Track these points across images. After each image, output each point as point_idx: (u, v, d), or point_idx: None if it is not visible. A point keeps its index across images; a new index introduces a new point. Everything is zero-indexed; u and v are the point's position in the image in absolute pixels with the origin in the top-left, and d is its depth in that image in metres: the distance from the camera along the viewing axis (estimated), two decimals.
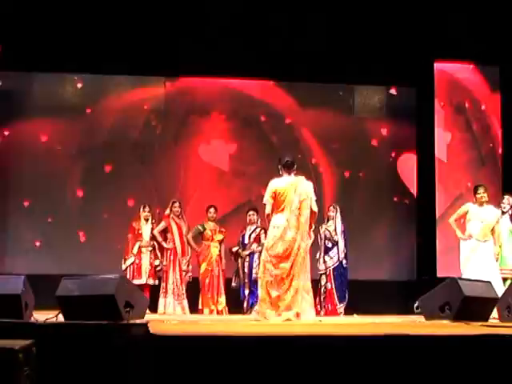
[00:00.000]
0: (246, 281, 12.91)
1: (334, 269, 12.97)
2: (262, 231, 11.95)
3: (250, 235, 13.03)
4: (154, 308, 12.08)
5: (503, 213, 11.72)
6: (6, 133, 14.68)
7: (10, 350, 3.30)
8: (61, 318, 6.41)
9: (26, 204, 14.54)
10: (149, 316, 7.84)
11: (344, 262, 13.12)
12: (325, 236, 13.10)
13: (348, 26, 14.11)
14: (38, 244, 14.56)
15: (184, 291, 12.88)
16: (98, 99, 15.10)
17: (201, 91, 15.33)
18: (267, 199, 9.77)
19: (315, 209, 9.80)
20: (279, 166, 10.16)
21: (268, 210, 9.74)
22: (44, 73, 14.96)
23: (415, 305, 9.70)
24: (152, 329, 5.20)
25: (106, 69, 14.76)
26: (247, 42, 14.18)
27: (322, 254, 13.08)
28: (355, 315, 12.37)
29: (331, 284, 12.92)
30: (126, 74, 15.12)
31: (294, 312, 9.34)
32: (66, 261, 14.20)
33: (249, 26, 13.98)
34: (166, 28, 13.84)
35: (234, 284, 13.21)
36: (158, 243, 13.03)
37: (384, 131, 15.68)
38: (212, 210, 13.35)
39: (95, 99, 15.10)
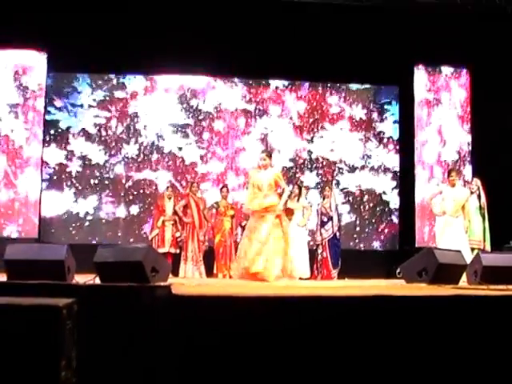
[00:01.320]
0: None
1: (328, 240, 13.00)
2: None
3: None
4: (175, 273, 12.14)
5: (472, 193, 11.79)
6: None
7: (55, 306, 3.31)
8: (97, 281, 6.44)
9: None
10: (171, 279, 7.84)
11: (337, 234, 13.16)
12: (321, 212, 13.15)
13: (345, 37, 14.08)
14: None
15: (201, 258, 12.95)
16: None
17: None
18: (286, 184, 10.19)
19: None
20: (271, 159, 10.36)
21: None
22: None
23: (397, 270, 9.71)
24: (174, 290, 5.22)
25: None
26: (248, 43, 14.18)
27: (319, 228, 13.13)
28: (346, 279, 12.39)
29: (326, 253, 12.95)
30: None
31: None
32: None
33: (250, 29, 13.97)
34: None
35: None
36: (179, 218, 13.11)
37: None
38: (224, 189, 13.60)
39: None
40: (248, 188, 10.45)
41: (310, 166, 15.18)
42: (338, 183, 14.99)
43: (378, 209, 15.40)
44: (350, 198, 15.28)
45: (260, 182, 10.18)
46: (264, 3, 13.67)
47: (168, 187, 13.55)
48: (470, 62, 15.23)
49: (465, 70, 15.43)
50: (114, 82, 15.05)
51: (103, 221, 14.72)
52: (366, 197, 15.36)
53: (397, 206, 15.42)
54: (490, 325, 4.61)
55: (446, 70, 15.41)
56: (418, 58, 15.12)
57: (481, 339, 4.55)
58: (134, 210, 14.78)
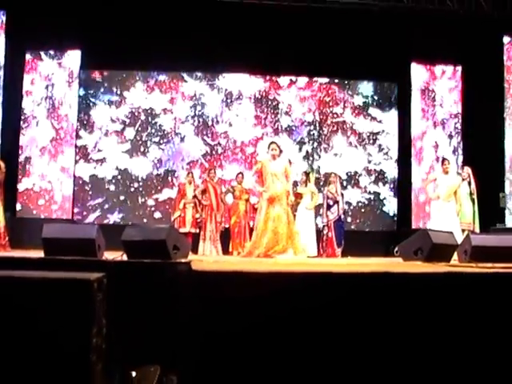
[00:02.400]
0: None
1: (334, 222, 13.00)
2: None
3: None
4: (195, 251, 12.19)
5: (463, 180, 11.81)
6: None
7: (87, 280, 3.34)
8: (125, 257, 6.46)
9: None
10: (191, 256, 7.86)
11: (342, 216, 13.18)
12: (327, 196, 13.15)
13: (346, 37, 14.12)
14: None
15: (218, 238, 13.05)
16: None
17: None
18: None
19: None
20: (280, 149, 10.48)
21: None
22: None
23: (395, 249, 9.72)
24: (194, 266, 5.23)
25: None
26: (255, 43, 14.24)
27: (325, 210, 13.13)
28: (349, 257, 12.38)
29: (331, 233, 12.95)
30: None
31: None
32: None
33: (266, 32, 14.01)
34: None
35: None
36: (199, 201, 13.16)
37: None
38: (240, 175, 13.72)
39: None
40: (266, 178, 10.48)
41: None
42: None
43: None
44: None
45: (275, 171, 10.30)
46: (271, 7, 13.69)
47: (188, 173, 13.62)
48: (462, 62, 15.21)
49: (457, 69, 15.38)
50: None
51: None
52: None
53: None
54: (479, 298, 4.63)
55: (440, 68, 15.37)
56: (415, 57, 15.13)
57: (470, 311, 4.56)
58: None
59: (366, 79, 15.64)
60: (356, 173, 15.45)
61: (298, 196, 12.82)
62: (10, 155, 13.33)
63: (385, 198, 15.47)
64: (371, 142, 15.52)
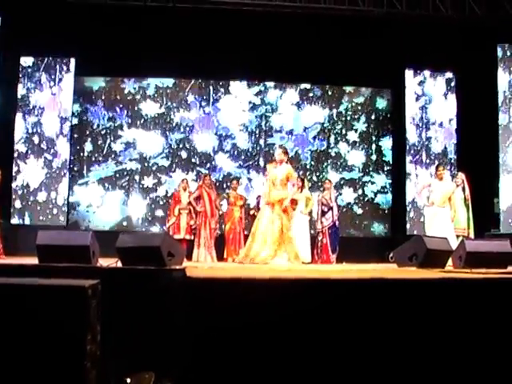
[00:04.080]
0: None
1: (328, 228, 12.98)
2: None
3: None
4: (189, 257, 12.14)
5: (457, 185, 11.82)
6: None
7: (82, 286, 3.34)
8: (119, 264, 6.46)
9: None
10: (185, 263, 7.86)
11: (337, 222, 13.15)
12: (322, 203, 13.12)
13: (340, 44, 14.19)
14: None
15: (213, 244, 12.99)
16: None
17: None
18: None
19: None
20: (286, 155, 10.51)
21: None
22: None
23: (390, 255, 9.72)
24: (188, 273, 5.24)
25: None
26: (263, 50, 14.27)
27: (320, 217, 13.11)
28: (344, 263, 12.37)
29: (326, 239, 12.94)
30: None
31: None
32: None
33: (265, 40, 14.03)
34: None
35: None
36: (193, 207, 13.12)
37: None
38: (234, 181, 13.76)
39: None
40: (266, 182, 10.57)
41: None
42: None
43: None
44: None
45: (275, 177, 10.34)
46: (262, 14, 13.73)
47: (183, 180, 13.60)
48: (456, 68, 15.25)
49: (452, 75, 15.42)
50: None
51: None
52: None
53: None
54: (473, 304, 4.64)
55: (435, 74, 15.41)
56: (409, 63, 15.16)
57: (464, 317, 4.57)
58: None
59: (359, 86, 15.69)
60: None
61: (294, 202, 12.80)
62: (5, 155, 13.39)
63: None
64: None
